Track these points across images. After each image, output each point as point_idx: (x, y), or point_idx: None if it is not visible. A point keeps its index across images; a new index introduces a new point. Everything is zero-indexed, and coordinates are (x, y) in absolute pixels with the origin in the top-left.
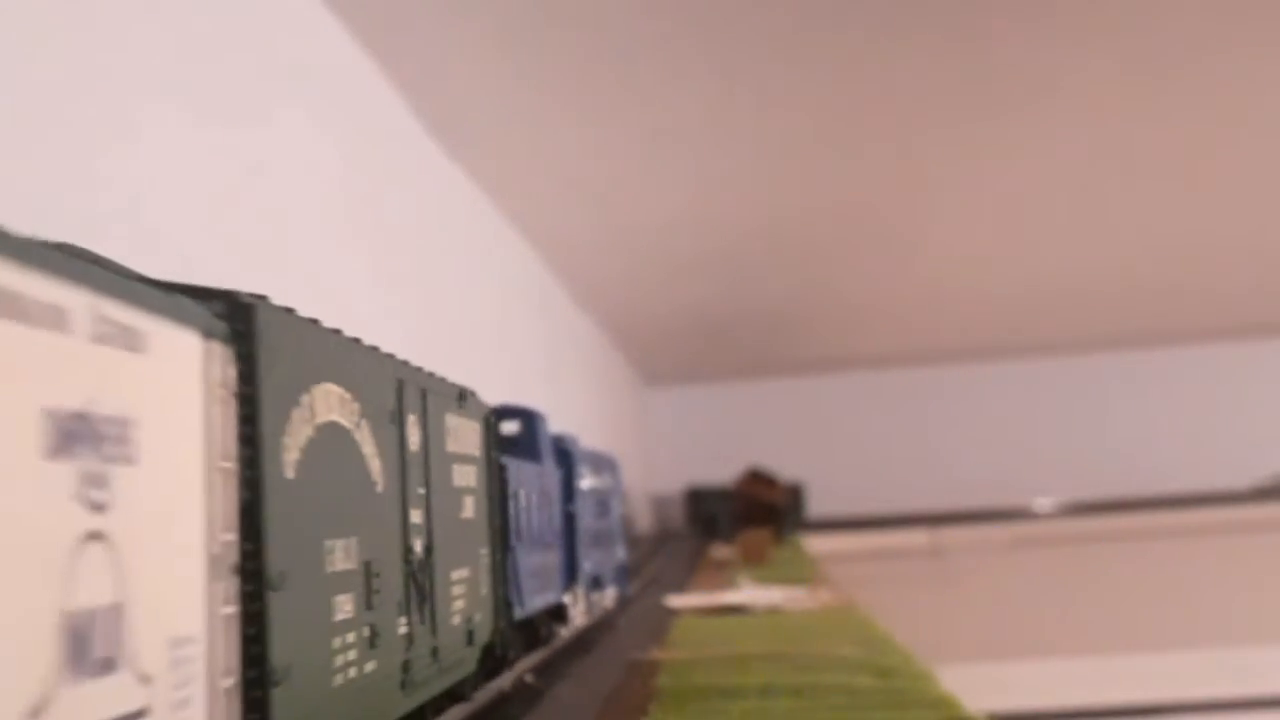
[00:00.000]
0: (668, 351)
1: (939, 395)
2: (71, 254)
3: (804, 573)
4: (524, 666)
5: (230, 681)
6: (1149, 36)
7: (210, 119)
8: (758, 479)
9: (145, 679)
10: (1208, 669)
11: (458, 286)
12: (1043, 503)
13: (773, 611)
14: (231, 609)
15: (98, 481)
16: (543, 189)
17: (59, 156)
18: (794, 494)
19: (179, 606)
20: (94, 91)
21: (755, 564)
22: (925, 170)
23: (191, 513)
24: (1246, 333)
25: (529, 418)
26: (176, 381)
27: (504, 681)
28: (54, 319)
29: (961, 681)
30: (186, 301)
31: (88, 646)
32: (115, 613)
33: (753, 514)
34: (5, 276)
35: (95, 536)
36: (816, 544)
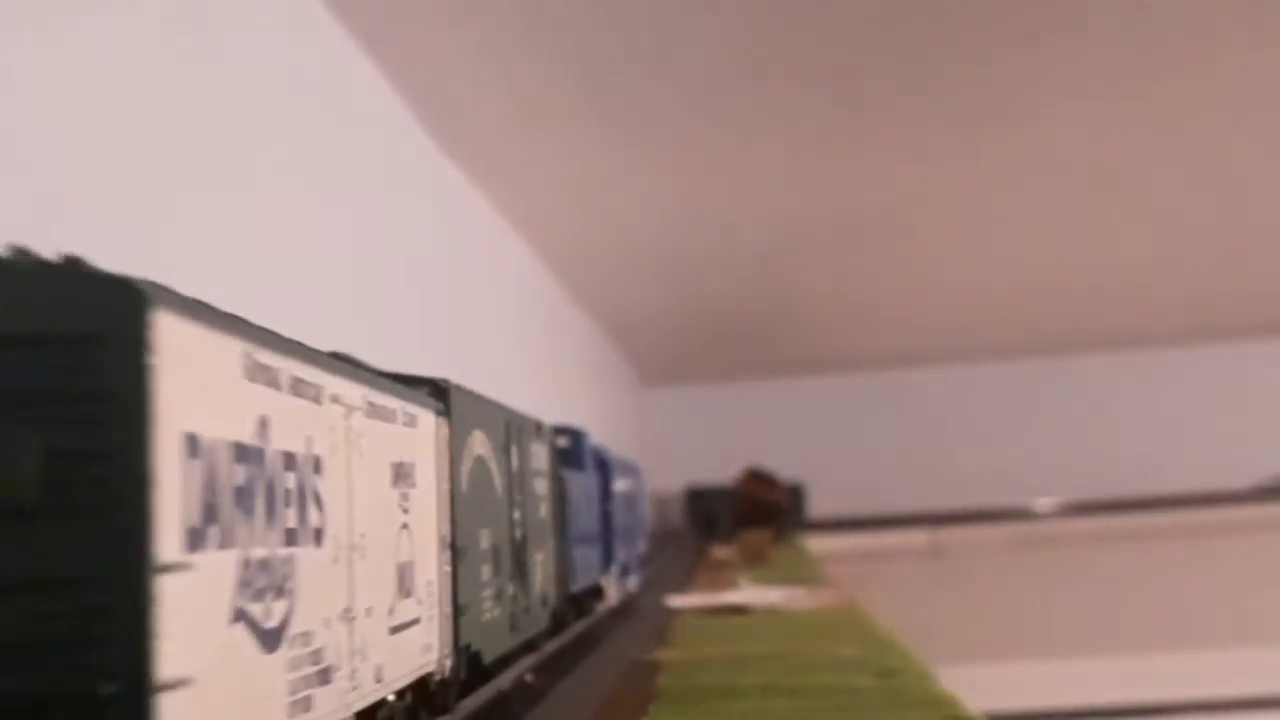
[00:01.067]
0: (667, 351)
1: (939, 395)
2: (395, 379)
3: (804, 573)
4: (525, 666)
5: (446, 610)
6: (1151, 39)
7: (208, 119)
8: (758, 479)
9: (419, 603)
10: (1208, 669)
11: (456, 286)
12: (1043, 503)
13: (773, 612)
14: (446, 568)
15: (405, 498)
16: (542, 190)
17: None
18: (794, 494)
19: (430, 564)
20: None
21: (755, 564)
22: (925, 172)
23: (433, 513)
24: (1247, 332)
25: (576, 435)
26: (427, 441)
27: (504, 681)
28: (392, 417)
29: (962, 681)
30: (429, 398)
31: (404, 582)
32: (410, 566)
33: (753, 514)
34: (379, 399)
35: (405, 526)
36: (817, 544)
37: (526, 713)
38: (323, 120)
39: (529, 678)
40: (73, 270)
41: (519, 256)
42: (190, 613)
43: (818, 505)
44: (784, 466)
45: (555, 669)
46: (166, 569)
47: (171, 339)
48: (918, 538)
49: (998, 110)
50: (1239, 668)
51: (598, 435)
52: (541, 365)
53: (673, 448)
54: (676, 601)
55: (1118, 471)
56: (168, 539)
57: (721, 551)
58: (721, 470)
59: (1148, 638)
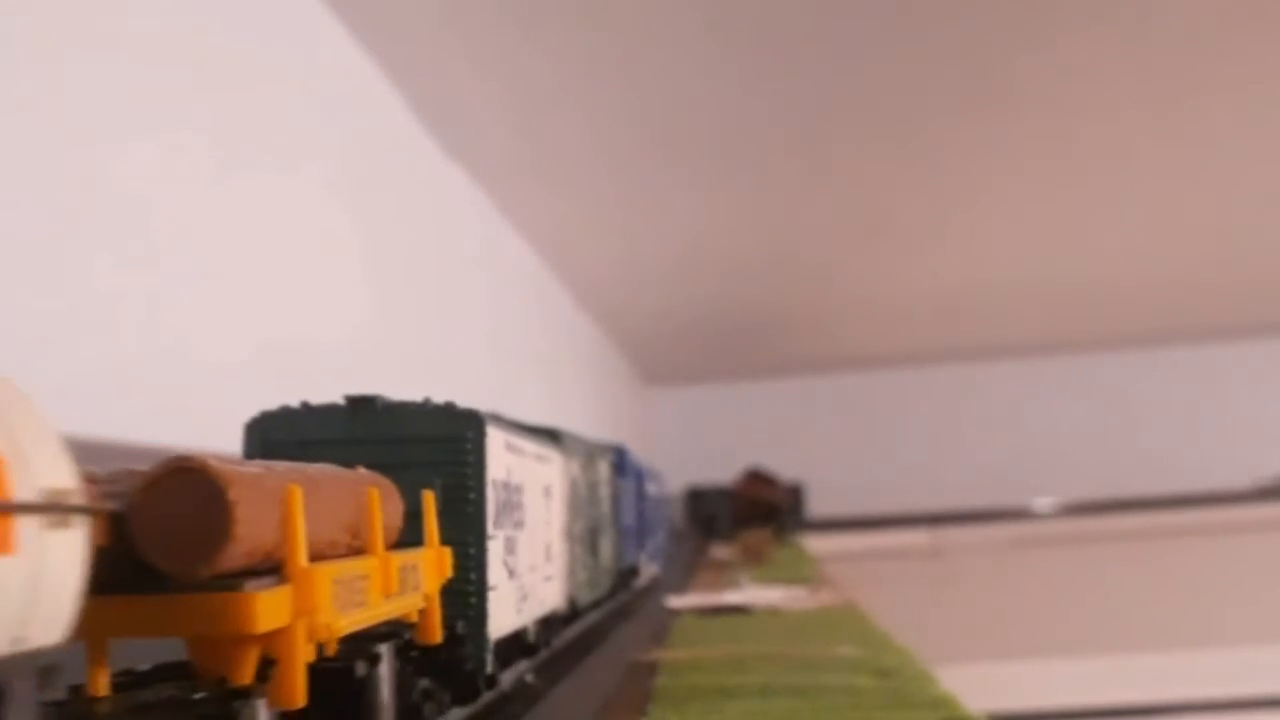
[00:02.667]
0: (668, 352)
1: (939, 395)
2: (535, 430)
3: (804, 573)
4: (525, 667)
5: (562, 573)
6: (1160, 34)
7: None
8: (757, 479)
9: (553, 566)
10: (1207, 669)
11: (459, 288)
12: (1043, 503)
13: (772, 611)
14: (566, 547)
15: (548, 505)
16: (546, 193)
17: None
18: (794, 494)
19: (557, 545)
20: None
21: (755, 564)
22: (926, 174)
23: (561, 512)
24: (1248, 332)
25: (621, 451)
26: (557, 470)
27: (505, 682)
28: (544, 460)
29: (961, 681)
30: (554, 441)
31: (549, 554)
32: (551, 545)
33: (752, 514)
34: (538, 450)
35: (548, 522)
36: (816, 544)
37: (527, 712)
38: (331, 125)
39: (529, 678)
40: (453, 407)
41: (522, 259)
42: (494, 556)
43: (817, 505)
44: (784, 466)
45: (555, 670)
46: (490, 537)
47: (490, 437)
48: (917, 537)
49: (999, 113)
50: (1240, 667)
51: (599, 435)
52: (546, 366)
53: (673, 448)
54: (676, 602)
55: (1117, 471)
56: (489, 524)
57: (721, 551)
58: (722, 470)
59: (1147, 637)
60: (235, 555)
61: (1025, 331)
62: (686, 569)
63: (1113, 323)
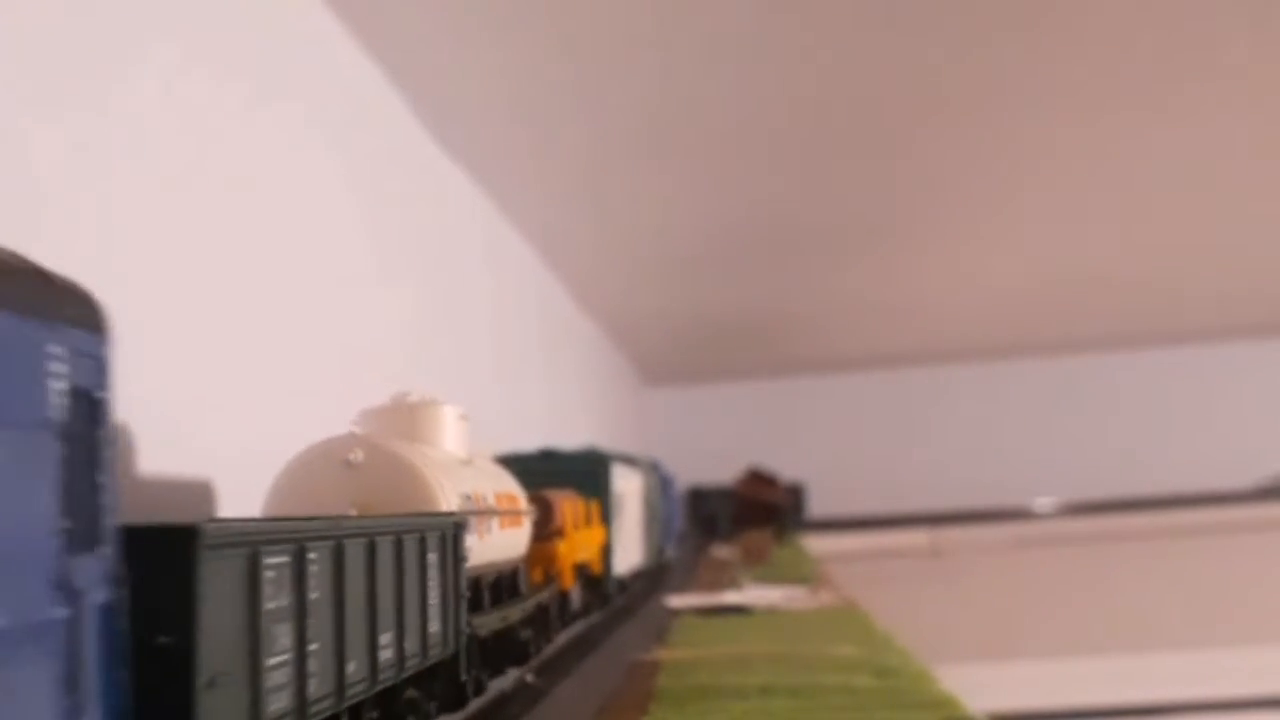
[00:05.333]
0: (668, 352)
1: (939, 396)
2: (629, 459)
3: (804, 573)
4: (525, 667)
5: (640, 548)
6: (1160, 37)
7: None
8: (758, 479)
9: (637, 545)
10: (1209, 669)
11: (458, 287)
12: (1043, 503)
13: (773, 611)
14: (641, 531)
15: (634, 506)
16: (544, 192)
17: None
18: (794, 494)
19: (637, 530)
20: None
21: (756, 564)
22: (925, 173)
23: (639, 517)
24: (1248, 332)
25: (657, 464)
26: (635, 484)
27: (505, 682)
28: (631, 476)
29: (960, 681)
30: (634, 464)
31: (635, 533)
32: (634, 531)
33: (753, 514)
34: (630, 471)
35: (633, 517)
36: (817, 544)
37: (528, 712)
38: (327, 127)
39: (529, 678)
40: (594, 452)
41: (521, 258)
42: (615, 533)
43: (818, 505)
44: (784, 467)
45: (556, 669)
46: (613, 523)
47: (613, 469)
48: (917, 538)
49: (1003, 113)
50: (1240, 667)
51: (601, 435)
52: (548, 367)
53: (674, 448)
54: (676, 601)
55: (1118, 471)
56: (613, 517)
57: (721, 551)
58: (722, 470)
59: (1147, 637)
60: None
61: (1026, 332)
62: (687, 569)
63: (1114, 324)
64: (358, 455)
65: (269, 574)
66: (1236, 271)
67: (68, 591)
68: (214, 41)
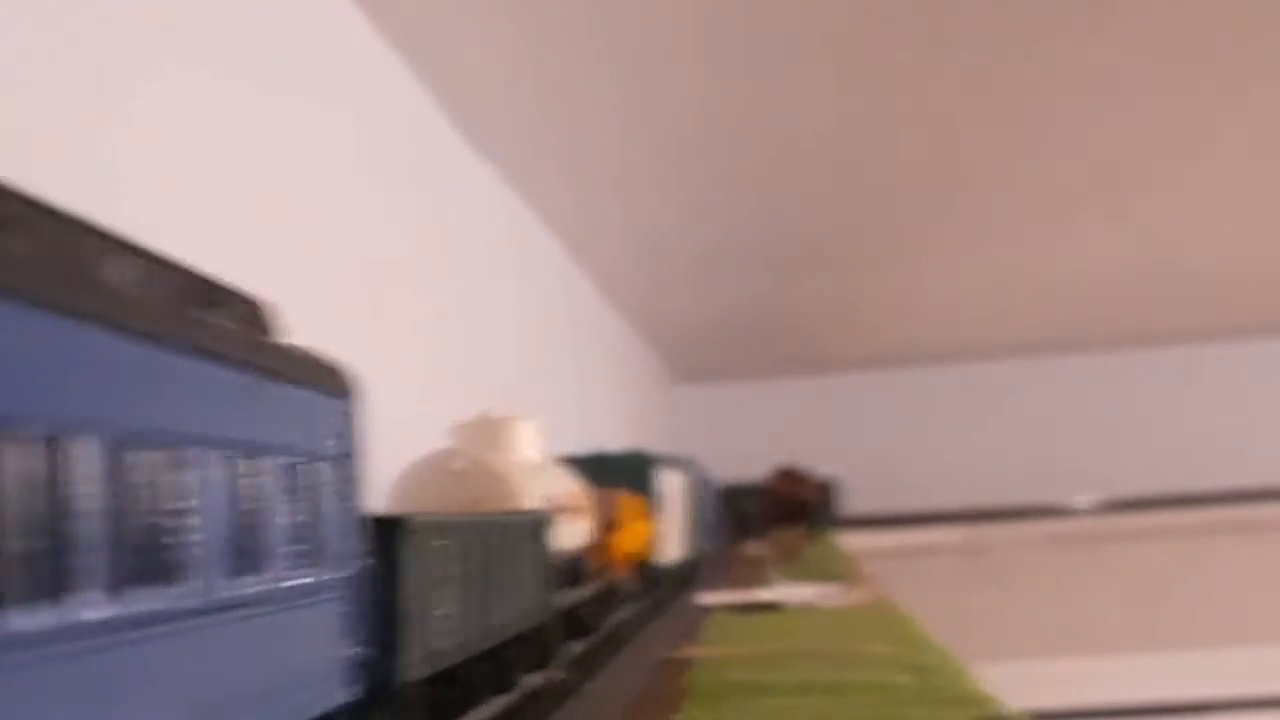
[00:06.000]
0: (699, 349)
1: (973, 392)
2: (673, 460)
3: (837, 570)
4: (557, 663)
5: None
6: (1180, 32)
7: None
8: (789, 476)
9: (681, 530)
10: (1251, 666)
11: (488, 285)
12: (1080, 500)
13: (806, 609)
14: (684, 524)
15: (679, 502)
16: (575, 188)
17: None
18: (826, 491)
19: (678, 519)
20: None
21: (787, 561)
22: (959, 169)
23: (680, 514)
24: None
25: (694, 464)
26: (676, 483)
27: (536, 678)
28: (675, 477)
29: (999, 679)
30: (679, 466)
31: (679, 528)
32: (679, 520)
33: (784, 511)
34: (674, 471)
35: (675, 509)
36: (851, 541)
37: (558, 709)
38: (356, 124)
39: (562, 675)
40: (643, 454)
41: (551, 254)
42: (663, 525)
43: (852, 502)
44: (817, 463)
45: (587, 666)
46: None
47: (660, 472)
48: (953, 535)
49: (1032, 111)
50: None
51: (632, 433)
52: (577, 364)
53: (705, 445)
54: (708, 599)
55: (1157, 468)
56: (662, 510)
57: (753, 548)
58: (753, 467)
59: (1188, 635)
60: (610, 522)
61: (1060, 329)
62: (719, 566)
63: (1153, 319)
64: (460, 465)
65: (436, 552)
66: (1273, 266)
67: (347, 558)
68: (228, 37)
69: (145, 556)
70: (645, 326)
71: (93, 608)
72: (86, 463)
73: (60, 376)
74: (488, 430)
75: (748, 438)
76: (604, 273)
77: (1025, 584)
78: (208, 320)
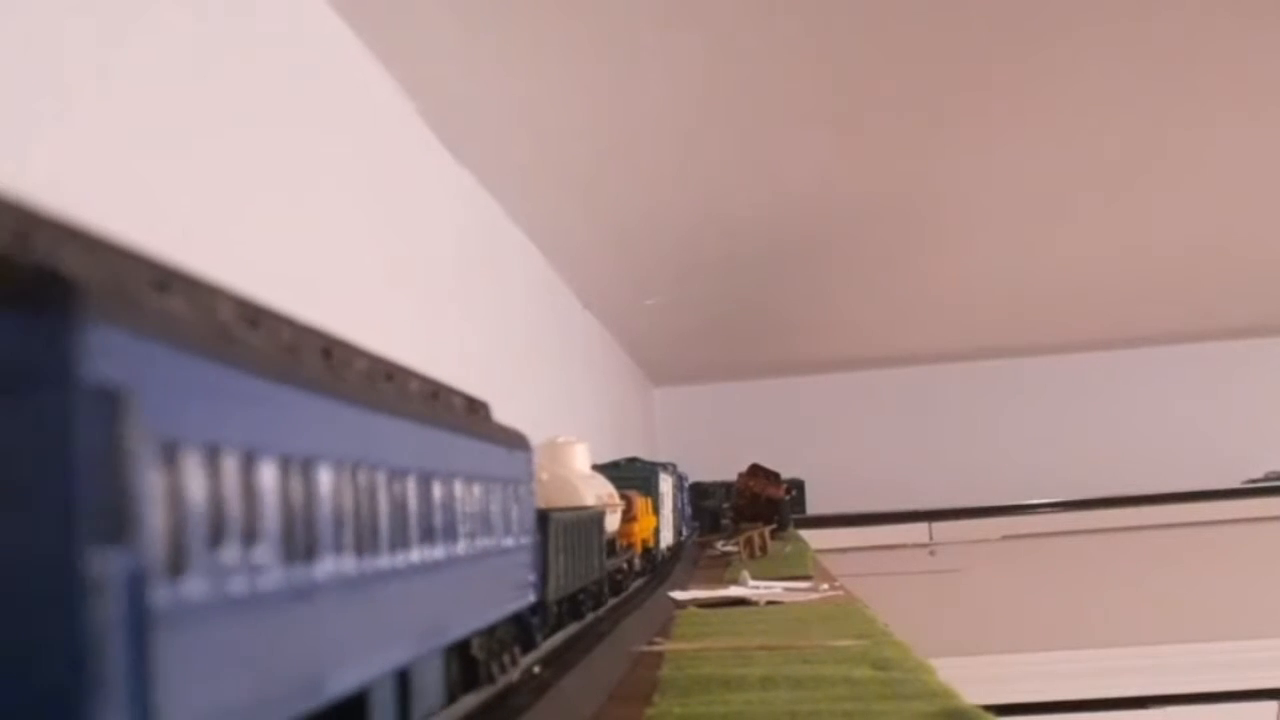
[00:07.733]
0: (673, 353)
1: (937, 394)
2: (664, 465)
3: (805, 567)
4: (530, 660)
5: (672, 528)
6: (1176, 31)
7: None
8: (759, 474)
9: (670, 527)
10: (1207, 661)
11: (459, 285)
12: (1040, 499)
13: (774, 604)
14: (673, 519)
15: (669, 503)
16: (547, 188)
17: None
18: (795, 489)
19: (670, 514)
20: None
21: (757, 558)
22: (929, 172)
23: (674, 508)
24: (1247, 331)
25: (676, 468)
26: (669, 484)
27: (512, 675)
28: (667, 479)
29: (959, 674)
30: (668, 470)
31: (668, 520)
32: (671, 517)
33: (754, 509)
34: (666, 475)
35: (669, 508)
36: (817, 539)
37: (531, 703)
38: (331, 123)
39: (536, 670)
40: (643, 461)
41: (525, 255)
42: (661, 519)
43: (819, 501)
44: (786, 464)
45: (560, 661)
46: (659, 513)
47: (660, 476)
48: (916, 532)
49: (1009, 112)
50: (1237, 660)
51: (608, 434)
52: (552, 365)
53: (678, 445)
54: (679, 594)
55: (1117, 469)
56: (660, 509)
57: (723, 545)
58: (724, 467)
59: (1145, 631)
60: (631, 515)
61: (1023, 332)
62: (690, 563)
63: (1111, 322)
64: (545, 476)
65: (561, 531)
66: (1235, 271)
67: (529, 533)
68: (215, 50)
69: (439, 529)
70: (623, 332)
71: (418, 550)
72: (417, 488)
73: (405, 451)
74: (556, 450)
75: (718, 438)
76: (578, 273)
77: (984, 580)
78: (476, 414)
